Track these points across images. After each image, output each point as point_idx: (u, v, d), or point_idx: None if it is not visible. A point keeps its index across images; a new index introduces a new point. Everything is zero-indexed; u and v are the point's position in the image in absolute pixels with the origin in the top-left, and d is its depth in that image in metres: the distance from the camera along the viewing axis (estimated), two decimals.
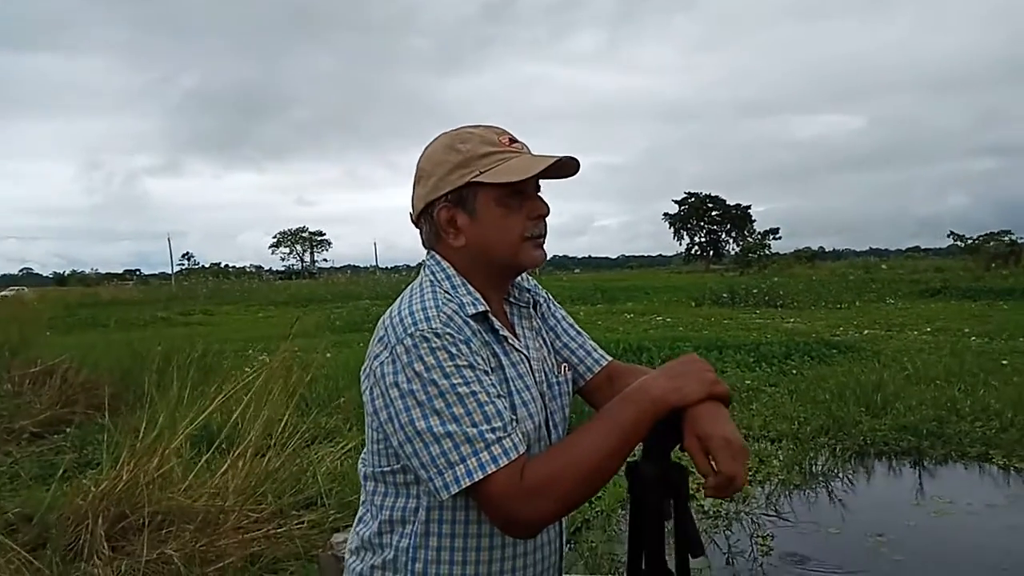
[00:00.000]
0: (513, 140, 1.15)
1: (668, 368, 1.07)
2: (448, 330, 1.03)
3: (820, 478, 4.38)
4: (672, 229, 70.77)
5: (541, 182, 1.17)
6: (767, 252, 42.67)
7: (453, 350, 1.02)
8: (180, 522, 3.03)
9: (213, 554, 2.90)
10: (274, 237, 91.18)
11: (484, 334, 1.11)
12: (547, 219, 1.18)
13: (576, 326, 1.34)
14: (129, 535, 2.97)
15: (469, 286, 1.13)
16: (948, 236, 34.77)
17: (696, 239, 70.57)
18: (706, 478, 0.98)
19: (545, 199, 1.17)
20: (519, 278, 1.25)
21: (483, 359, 1.06)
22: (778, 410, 5.78)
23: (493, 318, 1.13)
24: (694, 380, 1.03)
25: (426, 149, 1.18)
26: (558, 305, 1.37)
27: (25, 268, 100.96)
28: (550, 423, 1.19)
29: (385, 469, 1.11)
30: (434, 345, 1.01)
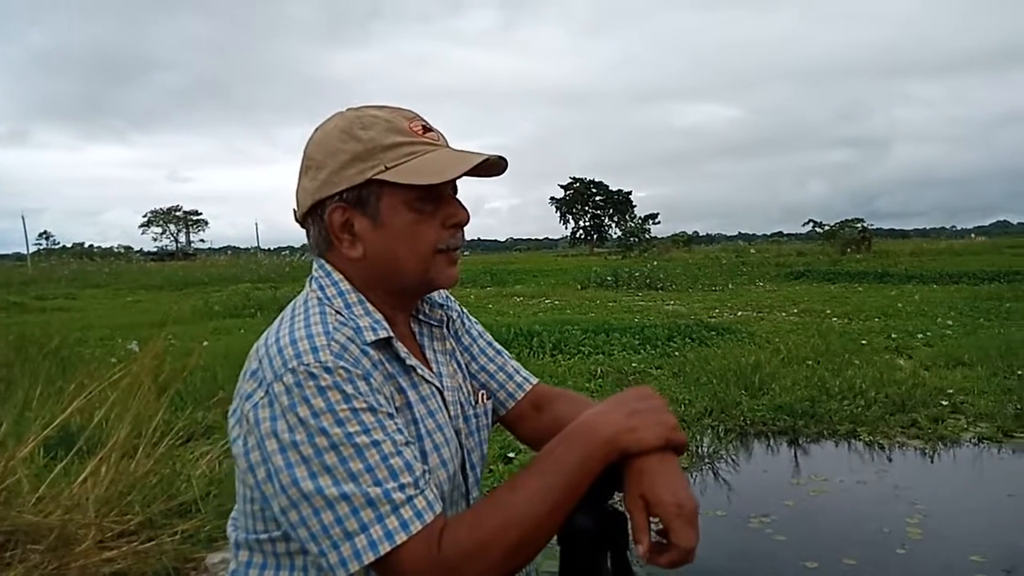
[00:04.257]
0: (427, 128, 0.94)
1: (620, 402, 0.90)
2: (341, 364, 0.83)
3: (706, 460, 4.51)
4: (558, 213, 72.40)
5: (458, 181, 0.97)
6: (647, 236, 44.30)
7: (348, 389, 0.81)
8: (28, 542, 2.69)
9: None
10: (144, 216, 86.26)
11: (387, 364, 0.92)
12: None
13: (495, 344, 1.16)
14: None
15: (367, 304, 0.93)
16: (807, 223, 37.31)
17: (581, 223, 72.58)
18: (641, 542, 0.83)
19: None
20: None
21: (385, 398, 0.87)
22: (664, 392, 5.92)
23: (398, 344, 0.93)
24: (651, 422, 0.87)
25: (316, 132, 0.95)
26: (473, 320, 1.17)
27: None
28: (467, 465, 1.01)
29: (262, 536, 0.90)
30: (323, 384, 0.80)
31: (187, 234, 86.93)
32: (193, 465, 3.77)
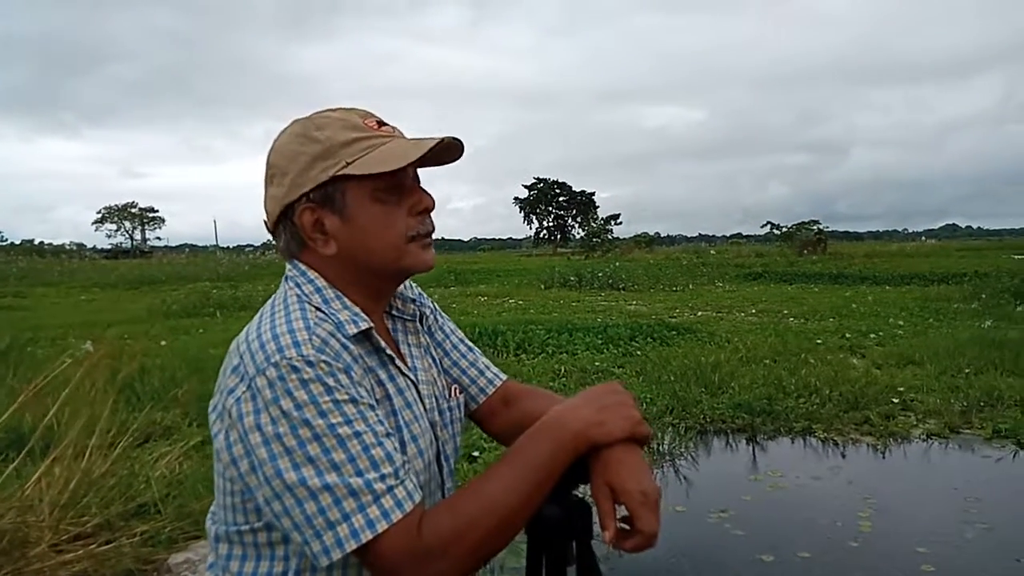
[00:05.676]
0: (381, 123, 0.97)
1: (588, 397, 0.94)
2: (323, 358, 0.85)
3: (667, 457, 4.59)
4: (522, 213, 72.61)
5: (420, 171, 1.00)
6: (609, 237, 44.68)
7: (330, 382, 0.83)
8: None
9: None
10: (98, 212, 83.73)
11: (366, 358, 0.93)
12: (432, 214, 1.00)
13: (467, 340, 1.20)
14: None
15: (345, 299, 0.96)
16: (766, 226, 38.06)
17: (544, 223, 72.90)
18: (607, 528, 0.87)
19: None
20: (402, 286, 1.08)
21: (367, 391, 0.89)
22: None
23: (377, 336, 0.96)
24: (618, 415, 0.91)
25: (275, 141, 0.98)
26: (446, 316, 1.21)
27: None
28: (441, 456, 1.04)
29: (243, 528, 0.91)
30: (305, 377, 0.83)
31: (142, 231, 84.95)
32: (152, 466, 3.71)
